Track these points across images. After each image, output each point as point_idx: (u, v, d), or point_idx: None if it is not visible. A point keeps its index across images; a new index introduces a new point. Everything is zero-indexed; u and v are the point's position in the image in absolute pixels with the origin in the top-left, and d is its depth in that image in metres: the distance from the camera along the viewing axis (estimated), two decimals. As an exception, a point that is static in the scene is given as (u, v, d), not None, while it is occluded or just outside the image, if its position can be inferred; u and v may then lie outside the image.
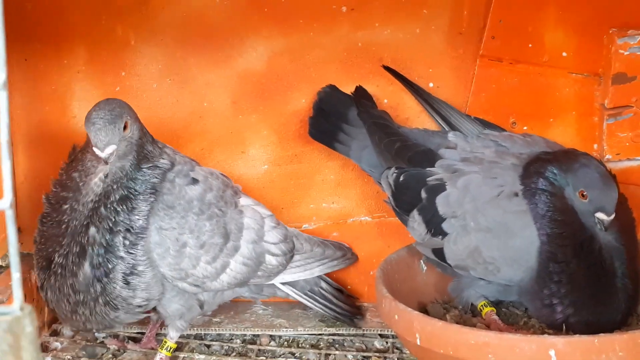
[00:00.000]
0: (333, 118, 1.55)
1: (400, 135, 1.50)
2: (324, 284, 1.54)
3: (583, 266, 1.33)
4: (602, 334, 1.18)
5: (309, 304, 1.53)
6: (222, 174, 1.46)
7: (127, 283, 1.33)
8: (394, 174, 1.46)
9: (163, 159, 1.37)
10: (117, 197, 1.33)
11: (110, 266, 1.32)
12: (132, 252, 1.32)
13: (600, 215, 1.31)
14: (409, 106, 1.59)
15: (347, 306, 1.56)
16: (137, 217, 1.32)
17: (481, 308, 1.43)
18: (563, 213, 1.33)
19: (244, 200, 1.45)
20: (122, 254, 1.32)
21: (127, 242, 1.32)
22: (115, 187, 1.33)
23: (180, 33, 1.56)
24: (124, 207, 1.32)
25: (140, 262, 1.33)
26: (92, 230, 1.32)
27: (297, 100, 1.59)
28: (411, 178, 1.45)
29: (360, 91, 1.56)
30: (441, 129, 1.55)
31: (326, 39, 1.57)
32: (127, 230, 1.32)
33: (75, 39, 1.57)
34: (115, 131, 1.30)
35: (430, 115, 1.57)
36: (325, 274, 1.55)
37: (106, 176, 1.34)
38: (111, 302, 1.33)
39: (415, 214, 1.44)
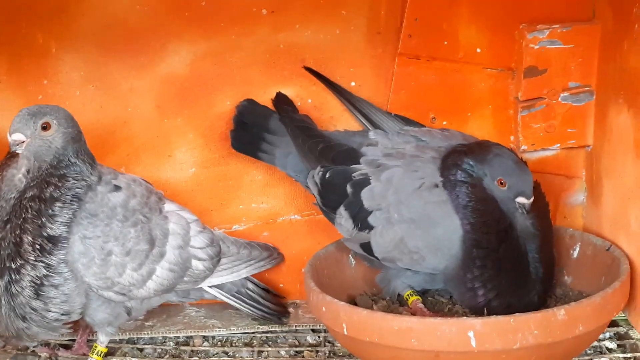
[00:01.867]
0: (254, 129, 1.58)
1: (322, 137, 1.54)
2: (250, 285, 1.56)
3: (505, 252, 1.38)
4: (517, 314, 1.23)
5: (236, 305, 1.55)
6: (144, 181, 1.47)
7: (38, 294, 1.31)
8: (320, 172, 1.50)
9: (92, 174, 1.37)
10: (30, 194, 1.33)
11: (13, 266, 1.31)
12: (46, 261, 1.31)
13: (520, 199, 1.37)
14: (333, 105, 1.63)
15: (274, 306, 1.58)
16: (54, 225, 1.32)
17: (407, 297, 1.48)
18: (484, 202, 1.38)
19: (168, 206, 1.46)
20: (31, 258, 1.31)
21: (37, 247, 1.31)
22: (32, 184, 1.33)
23: (101, 39, 1.57)
24: (33, 206, 1.31)
25: (57, 273, 1.32)
26: (8, 226, 1.32)
27: (221, 103, 1.61)
28: (337, 174, 1.48)
29: (280, 97, 1.60)
30: (364, 127, 1.59)
31: (248, 41, 1.59)
32: (39, 234, 1.31)
33: (-5, 49, 1.57)
34: (30, 124, 1.32)
35: (353, 114, 1.61)
36: (253, 275, 1.57)
37: (28, 172, 1.34)
38: (17, 310, 1.32)
39: (342, 210, 1.48)
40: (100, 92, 1.59)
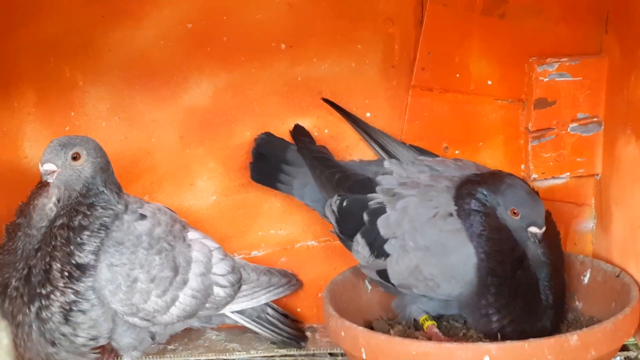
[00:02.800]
0: (272, 160, 1.62)
1: (339, 167, 1.58)
2: (270, 310, 1.60)
3: (518, 279, 1.42)
4: (532, 339, 1.27)
5: (257, 330, 1.59)
6: (169, 209, 1.51)
7: (67, 320, 1.36)
8: (337, 201, 1.54)
9: (119, 203, 1.42)
10: (59, 222, 1.37)
11: (44, 292, 1.35)
12: (74, 287, 1.35)
13: (533, 229, 1.41)
14: (349, 135, 1.67)
15: (292, 330, 1.62)
16: (82, 254, 1.36)
17: (423, 322, 1.52)
18: (498, 231, 1.42)
19: (192, 234, 1.51)
20: (60, 284, 1.35)
21: (66, 274, 1.35)
22: (62, 212, 1.38)
23: (126, 73, 1.62)
24: (63, 234, 1.36)
25: (85, 299, 1.36)
26: (39, 253, 1.37)
27: (241, 133, 1.66)
28: (354, 202, 1.53)
29: (298, 129, 1.65)
30: (379, 157, 1.64)
31: (267, 74, 1.65)
32: (67, 262, 1.36)
33: (25, 82, 1.62)
34: (61, 154, 1.37)
35: (369, 143, 1.65)
36: (272, 301, 1.61)
37: (59, 200, 1.39)
38: (46, 335, 1.36)
39: (358, 237, 1.52)
40: (125, 123, 1.64)
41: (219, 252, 1.53)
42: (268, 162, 1.63)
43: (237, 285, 1.53)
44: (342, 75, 1.65)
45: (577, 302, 1.56)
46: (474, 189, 1.45)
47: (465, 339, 1.50)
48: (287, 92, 1.66)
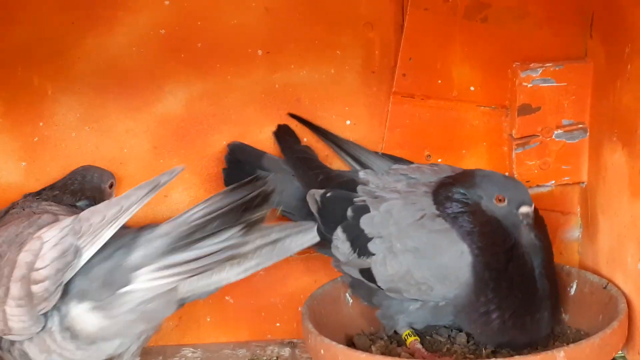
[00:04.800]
0: (247, 167, 1.58)
1: (323, 168, 1.55)
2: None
3: (514, 269, 1.38)
4: (517, 357, 1.23)
5: None
6: (44, 211, 1.35)
7: None
8: (321, 192, 1.49)
9: None
10: None
11: None
12: None
13: (524, 209, 1.38)
14: (328, 144, 1.63)
15: None
16: None
17: (406, 337, 1.47)
18: (488, 224, 1.38)
19: (48, 233, 1.26)
20: None
21: None
22: None
23: (98, 81, 1.57)
24: None
25: None
26: None
27: (217, 143, 1.61)
28: (339, 195, 1.48)
29: (282, 128, 1.60)
30: (352, 169, 1.59)
31: (244, 81, 1.60)
32: None
33: (-9, 92, 1.57)
34: None
35: (340, 156, 1.61)
36: None
37: None
38: None
39: (339, 232, 1.47)
40: (97, 133, 1.59)
41: (56, 237, 1.24)
42: (242, 169, 1.58)
43: (64, 271, 1.24)
44: (321, 82, 1.61)
45: (564, 314, 1.52)
46: (450, 191, 1.41)
47: (449, 354, 1.46)
48: (265, 99, 1.61)
